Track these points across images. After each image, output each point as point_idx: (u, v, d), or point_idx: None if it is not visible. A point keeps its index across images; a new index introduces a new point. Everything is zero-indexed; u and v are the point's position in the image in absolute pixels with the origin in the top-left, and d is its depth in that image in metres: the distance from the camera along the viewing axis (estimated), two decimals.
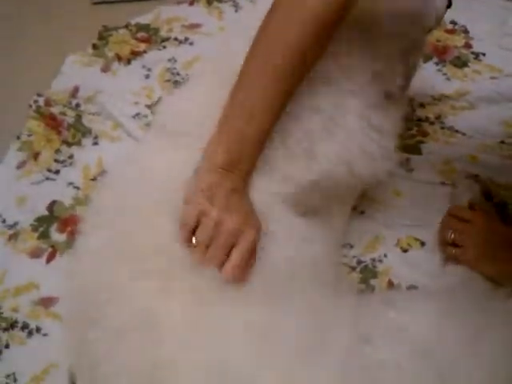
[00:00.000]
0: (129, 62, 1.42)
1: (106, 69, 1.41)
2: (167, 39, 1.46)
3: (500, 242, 0.96)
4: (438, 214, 1.05)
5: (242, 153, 0.75)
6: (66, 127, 1.27)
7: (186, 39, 1.45)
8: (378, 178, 0.90)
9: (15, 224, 1.12)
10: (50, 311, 1.00)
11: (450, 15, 1.39)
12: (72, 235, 1.08)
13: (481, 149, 1.16)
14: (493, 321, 0.73)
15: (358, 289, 0.98)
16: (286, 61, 0.74)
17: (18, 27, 1.61)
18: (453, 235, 0.99)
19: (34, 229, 1.11)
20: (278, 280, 0.74)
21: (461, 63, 1.34)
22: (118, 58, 1.42)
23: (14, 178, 1.19)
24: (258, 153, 0.77)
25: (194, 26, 1.49)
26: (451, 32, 1.41)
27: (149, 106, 1.31)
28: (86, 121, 1.29)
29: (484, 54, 1.35)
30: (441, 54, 1.36)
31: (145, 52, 1.43)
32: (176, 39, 1.46)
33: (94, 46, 1.46)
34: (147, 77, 1.38)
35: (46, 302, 1.01)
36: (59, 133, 1.26)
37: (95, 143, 1.26)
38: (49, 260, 1.07)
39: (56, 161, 1.22)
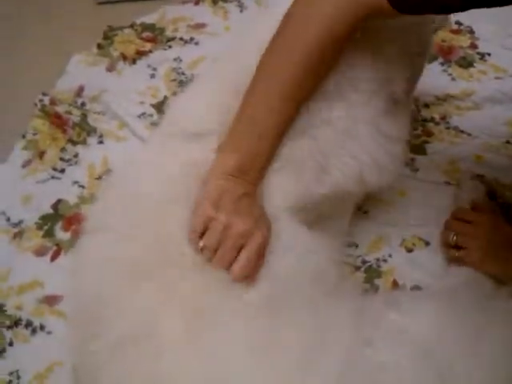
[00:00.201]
0: (134, 61, 1.42)
1: (111, 68, 1.41)
2: (172, 39, 1.46)
3: (504, 242, 0.96)
4: (442, 214, 1.05)
5: (254, 160, 0.75)
6: (72, 126, 1.28)
7: (192, 39, 1.45)
8: (387, 184, 0.90)
9: (20, 222, 1.12)
10: (54, 309, 1.00)
11: (455, 15, 1.39)
12: (76, 234, 1.08)
13: (486, 149, 1.16)
14: (494, 320, 0.73)
15: (362, 288, 0.98)
16: (304, 58, 0.74)
17: (20, 27, 1.62)
18: (455, 237, 0.99)
19: (39, 227, 1.11)
20: (280, 288, 0.74)
21: (466, 63, 1.34)
22: (124, 57, 1.42)
23: (20, 176, 1.20)
24: (270, 160, 0.77)
25: (199, 26, 1.49)
26: (456, 32, 1.41)
27: (154, 106, 1.31)
28: (91, 120, 1.30)
29: (489, 55, 1.35)
30: (446, 54, 1.36)
31: (150, 52, 1.44)
32: (181, 39, 1.46)
33: (99, 46, 1.46)
34: (152, 76, 1.38)
35: (51, 300, 1.01)
36: (64, 131, 1.27)
37: (100, 142, 1.26)
38: (53, 258, 1.07)
39: (61, 159, 1.22)
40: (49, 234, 1.10)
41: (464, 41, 1.39)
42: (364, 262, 1.02)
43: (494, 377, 0.66)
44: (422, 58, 0.95)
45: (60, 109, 1.30)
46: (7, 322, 0.99)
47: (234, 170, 0.74)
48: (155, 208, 0.76)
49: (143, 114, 1.29)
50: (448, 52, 1.36)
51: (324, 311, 0.72)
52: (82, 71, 1.41)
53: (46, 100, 1.32)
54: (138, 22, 1.52)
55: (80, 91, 1.35)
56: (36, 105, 1.30)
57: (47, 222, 1.12)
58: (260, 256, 0.73)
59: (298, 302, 0.73)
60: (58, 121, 1.28)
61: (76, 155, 1.23)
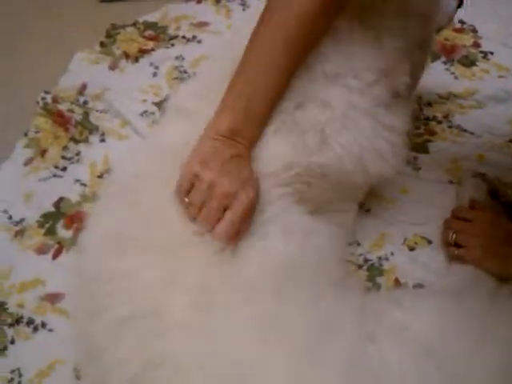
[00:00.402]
0: (136, 59, 1.42)
1: (113, 66, 1.41)
2: (175, 37, 1.46)
3: (504, 238, 0.96)
4: (445, 213, 1.05)
5: (246, 121, 0.75)
6: (74, 124, 1.28)
7: (194, 37, 1.46)
8: (387, 175, 0.90)
9: (22, 220, 1.12)
10: (56, 307, 1.00)
11: (458, 14, 1.38)
12: (78, 232, 1.08)
13: (488, 148, 1.16)
14: (497, 319, 0.73)
15: (364, 287, 0.97)
16: (292, 32, 0.74)
17: (22, 25, 1.62)
18: (454, 236, 0.98)
19: (41, 225, 1.11)
20: (283, 277, 0.73)
21: (469, 62, 1.33)
22: (126, 55, 1.43)
23: (21, 174, 1.20)
24: (264, 122, 0.78)
25: (201, 25, 1.49)
26: (459, 31, 1.40)
27: (156, 104, 1.31)
28: (94, 118, 1.30)
29: (492, 53, 1.34)
30: (449, 52, 1.36)
31: (152, 50, 1.44)
32: (184, 37, 1.46)
33: (102, 44, 1.46)
34: (155, 75, 1.38)
35: (52, 298, 1.01)
36: (67, 130, 1.27)
37: (102, 140, 1.26)
38: (55, 256, 1.07)
39: (63, 158, 1.22)
40: (50, 232, 1.10)
41: (467, 39, 1.39)
42: (366, 260, 1.02)
43: (497, 375, 0.65)
44: (423, 52, 0.95)
45: (62, 107, 1.30)
46: (9, 320, 0.99)
47: (226, 131, 0.74)
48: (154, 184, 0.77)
49: (145, 112, 1.29)
50: (451, 51, 1.36)
51: (329, 302, 0.72)
52: (85, 69, 1.41)
53: (49, 98, 1.32)
54: (141, 20, 1.52)
55: (82, 89, 1.36)
56: (38, 103, 1.30)
57: (49, 220, 1.12)
58: (245, 219, 0.72)
59: (303, 289, 0.72)
60: (60, 119, 1.28)
61: (78, 153, 1.23)
